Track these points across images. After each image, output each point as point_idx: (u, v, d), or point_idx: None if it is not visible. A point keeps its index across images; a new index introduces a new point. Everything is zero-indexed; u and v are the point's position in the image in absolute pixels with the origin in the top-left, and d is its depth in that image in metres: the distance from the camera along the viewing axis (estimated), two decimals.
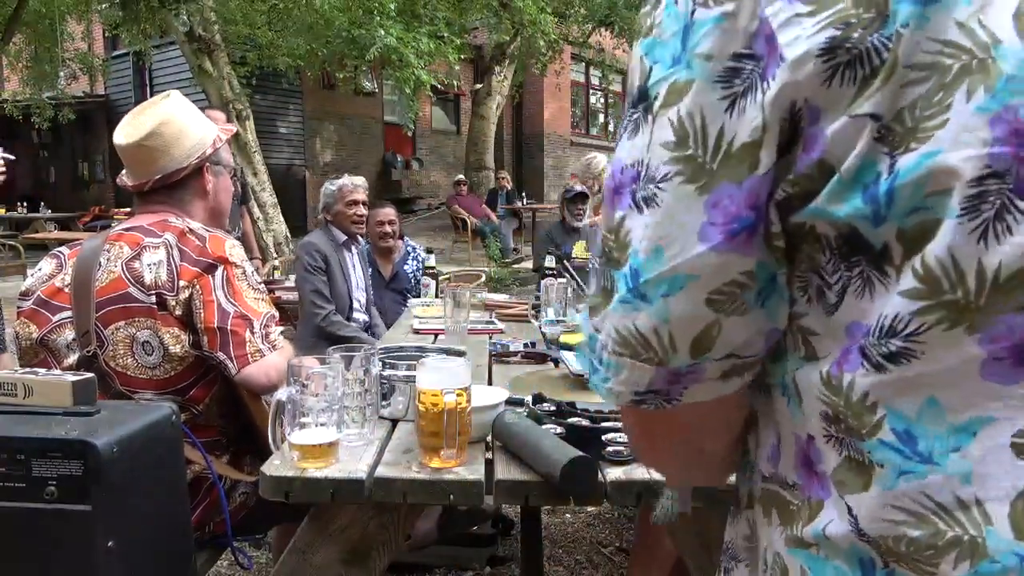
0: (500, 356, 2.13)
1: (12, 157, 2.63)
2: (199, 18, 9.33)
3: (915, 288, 0.44)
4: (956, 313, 0.44)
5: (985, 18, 0.42)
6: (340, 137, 14.57)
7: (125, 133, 1.68)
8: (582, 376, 1.73)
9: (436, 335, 2.51)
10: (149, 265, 1.56)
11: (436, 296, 3.39)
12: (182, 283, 1.55)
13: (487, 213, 11.59)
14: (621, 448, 1.22)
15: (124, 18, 9.78)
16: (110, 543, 1.09)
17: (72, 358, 1.58)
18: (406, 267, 3.91)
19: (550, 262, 3.09)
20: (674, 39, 0.49)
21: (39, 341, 1.61)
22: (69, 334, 1.58)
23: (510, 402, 1.46)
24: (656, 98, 0.49)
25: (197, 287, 1.55)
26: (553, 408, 1.40)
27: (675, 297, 0.50)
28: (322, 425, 1.23)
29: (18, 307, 1.66)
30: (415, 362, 1.33)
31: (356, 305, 3.50)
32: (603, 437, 1.25)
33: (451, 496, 1.19)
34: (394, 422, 1.47)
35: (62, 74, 13.51)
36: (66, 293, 1.60)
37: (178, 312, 1.55)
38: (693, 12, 0.48)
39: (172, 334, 1.55)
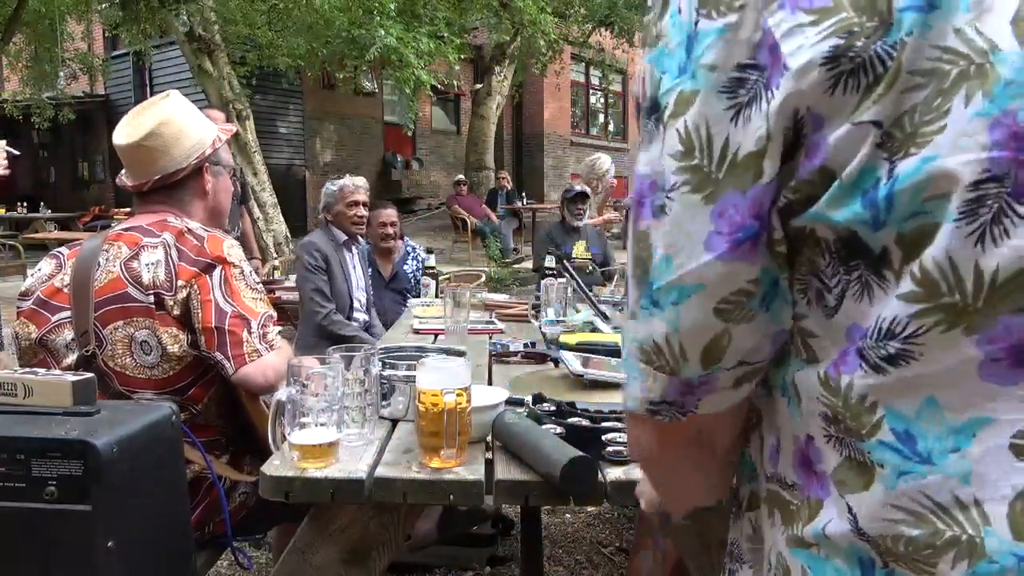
0: (500, 356, 2.13)
1: (18, 152, 2.64)
2: (199, 18, 9.33)
3: (913, 291, 0.45)
4: (954, 315, 0.44)
5: (982, 25, 0.42)
6: (340, 137, 14.57)
7: (125, 133, 1.68)
8: (582, 376, 1.73)
9: (436, 335, 2.51)
10: (147, 265, 1.56)
11: (436, 296, 3.39)
12: (180, 283, 1.55)
13: (487, 213, 11.59)
14: (621, 448, 1.22)
15: (124, 18, 9.77)
16: (110, 543, 1.09)
17: (71, 358, 1.58)
18: (406, 267, 3.91)
19: (550, 262, 3.09)
20: (679, 49, 0.49)
21: (38, 341, 1.61)
22: (68, 334, 1.58)
23: (510, 402, 1.46)
24: (666, 108, 0.50)
25: (195, 287, 1.55)
26: (553, 408, 1.40)
27: (684, 305, 0.50)
28: (322, 425, 1.23)
29: (17, 307, 1.66)
30: (415, 362, 1.33)
31: (356, 305, 3.50)
32: (603, 437, 1.25)
33: (451, 496, 1.19)
34: (394, 422, 1.47)
35: (62, 74, 13.51)
36: (65, 293, 1.60)
37: (176, 312, 1.55)
38: (697, 22, 0.48)
39: (170, 334, 1.55)
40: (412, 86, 9.22)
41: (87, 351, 1.54)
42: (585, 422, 1.33)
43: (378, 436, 1.37)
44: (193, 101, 1.87)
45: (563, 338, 2.06)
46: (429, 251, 4.05)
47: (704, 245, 0.49)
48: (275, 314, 1.69)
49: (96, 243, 1.63)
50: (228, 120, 7.42)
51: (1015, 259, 0.42)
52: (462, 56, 10.89)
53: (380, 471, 1.21)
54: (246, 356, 1.57)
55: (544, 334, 2.25)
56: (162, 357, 1.56)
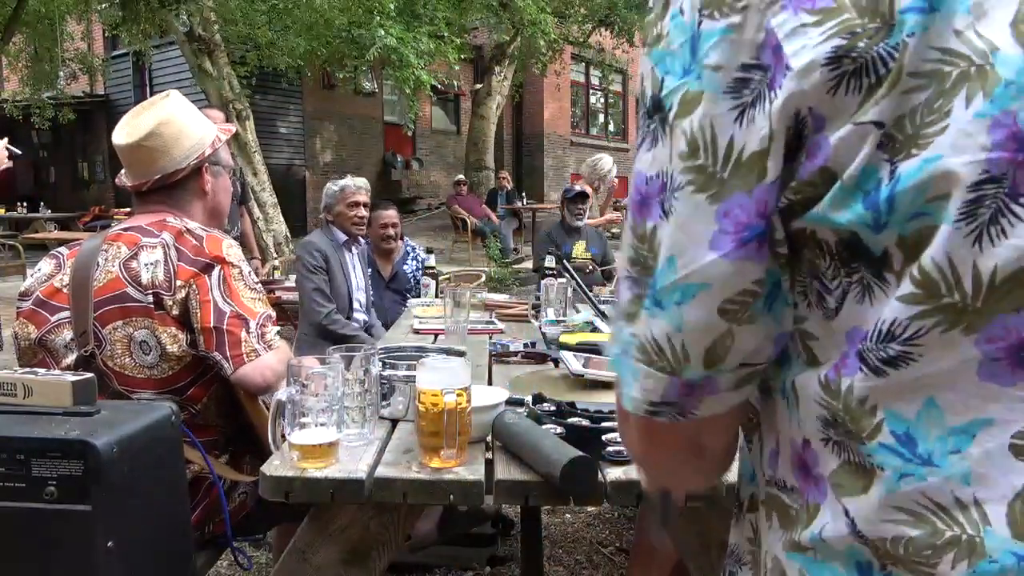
0: (500, 356, 2.12)
1: (20, 152, 2.65)
2: (199, 18, 9.33)
3: (913, 293, 0.45)
4: (954, 315, 0.44)
5: (982, 27, 0.42)
6: (340, 137, 14.57)
7: (124, 133, 1.68)
8: (582, 376, 1.73)
9: (436, 335, 2.51)
10: (146, 265, 1.56)
11: (436, 296, 3.39)
12: (179, 283, 1.55)
13: (487, 213, 11.59)
14: (621, 448, 1.22)
15: (124, 18, 9.78)
16: (110, 543, 1.09)
17: (70, 358, 1.58)
18: (406, 267, 3.91)
19: (550, 262, 3.09)
20: (683, 49, 0.49)
21: (37, 341, 1.61)
22: (67, 334, 1.58)
23: (510, 402, 1.46)
24: (671, 109, 0.50)
25: (194, 287, 1.55)
26: (553, 408, 1.39)
27: (688, 306, 0.50)
28: (322, 425, 1.23)
29: (17, 307, 1.66)
30: (415, 362, 1.33)
31: (356, 305, 3.50)
32: (603, 437, 1.25)
33: (451, 496, 1.19)
34: (394, 422, 1.47)
35: (62, 74, 13.52)
36: (64, 293, 1.60)
37: (175, 312, 1.55)
38: (700, 23, 0.48)
39: (169, 334, 1.55)
40: (412, 86, 9.22)
41: (86, 351, 1.54)
42: (585, 422, 1.33)
43: (378, 436, 1.37)
44: (193, 101, 1.87)
45: (563, 338, 2.06)
46: (429, 251, 4.05)
47: (709, 245, 0.49)
48: (274, 314, 1.69)
49: (95, 243, 1.63)
50: (228, 120, 7.43)
51: (1013, 259, 0.42)
52: (462, 56, 10.88)
53: (380, 471, 1.21)
54: (244, 356, 1.57)
55: (544, 334, 2.25)
56: (161, 357, 1.56)
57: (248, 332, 1.57)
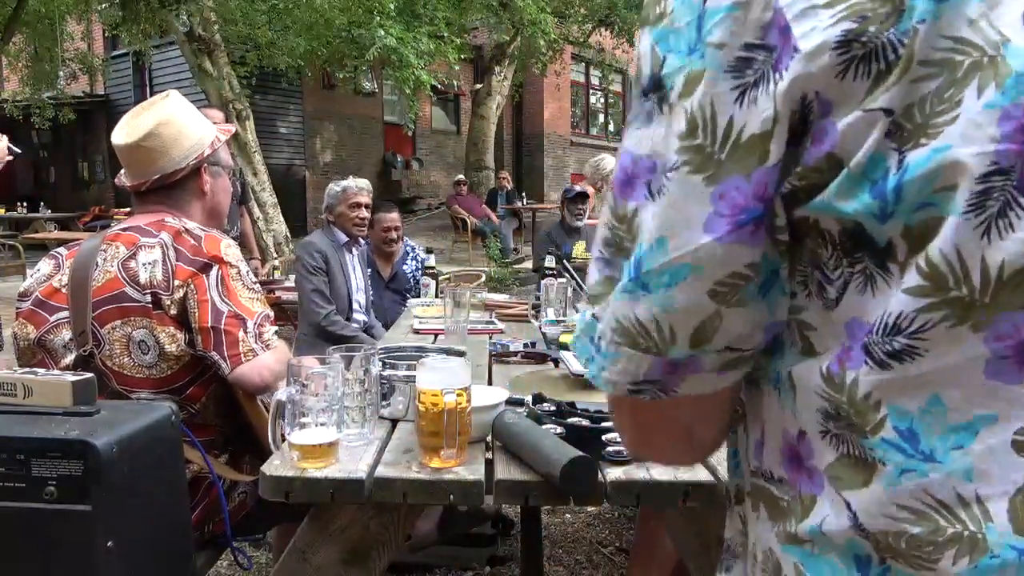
0: (500, 356, 2.12)
1: (19, 151, 2.66)
2: (199, 18, 9.33)
3: (920, 285, 0.44)
4: (961, 310, 0.44)
5: (994, 17, 0.42)
6: (340, 137, 14.57)
7: (124, 133, 1.68)
8: (582, 376, 1.73)
9: (436, 335, 2.50)
10: (145, 264, 1.56)
11: (436, 296, 3.39)
12: (177, 282, 1.55)
13: (487, 213, 11.59)
14: (621, 448, 1.22)
15: (124, 18, 9.78)
16: (110, 543, 1.09)
17: (69, 358, 1.58)
18: (405, 267, 3.91)
19: (550, 262, 3.09)
20: (689, 28, 0.48)
21: (36, 341, 1.61)
22: (66, 334, 1.58)
23: (510, 402, 1.46)
24: (672, 88, 0.49)
25: (192, 286, 1.55)
26: (553, 408, 1.39)
27: (677, 287, 0.50)
28: (322, 425, 1.23)
29: (16, 308, 1.66)
30: (415, 362, 1.33)
31: (356, 306, 3.50)
32: (603, 437, 1.25)
33: (451, 496, 1.19)
34: (394, 422, 1.47)
35: (62, 74, 13.52)
36: (63, 293, 1.60)
37: (173, 311, 1.55)
38: (706, 1, 0.47)
39: (168, 333, 1.55)
40: (412, 86, 9.22)
41: (85, 351, 1.54)
42: (585, 422, 1.33)
43: (378, 436, 1.37)
44: (193, 101, 1.87)
45: (563, 338, 2.06)
46: (429, 251, 4.05)
47: (703, 227, 0.48)
48: (272, 314, 1.68)
49: (94, 243, 1.63)
50: (228, 120, 7.43)
51: (1020, 253, 0.42)
52: (462, 56, 10.89)
53: (380, 471, 1.21)
54: (242, 356, 1.57)
55: (544, 334, 2.25)
56: (160, 356, 1.56)
57: (246, 332, 1.57)
